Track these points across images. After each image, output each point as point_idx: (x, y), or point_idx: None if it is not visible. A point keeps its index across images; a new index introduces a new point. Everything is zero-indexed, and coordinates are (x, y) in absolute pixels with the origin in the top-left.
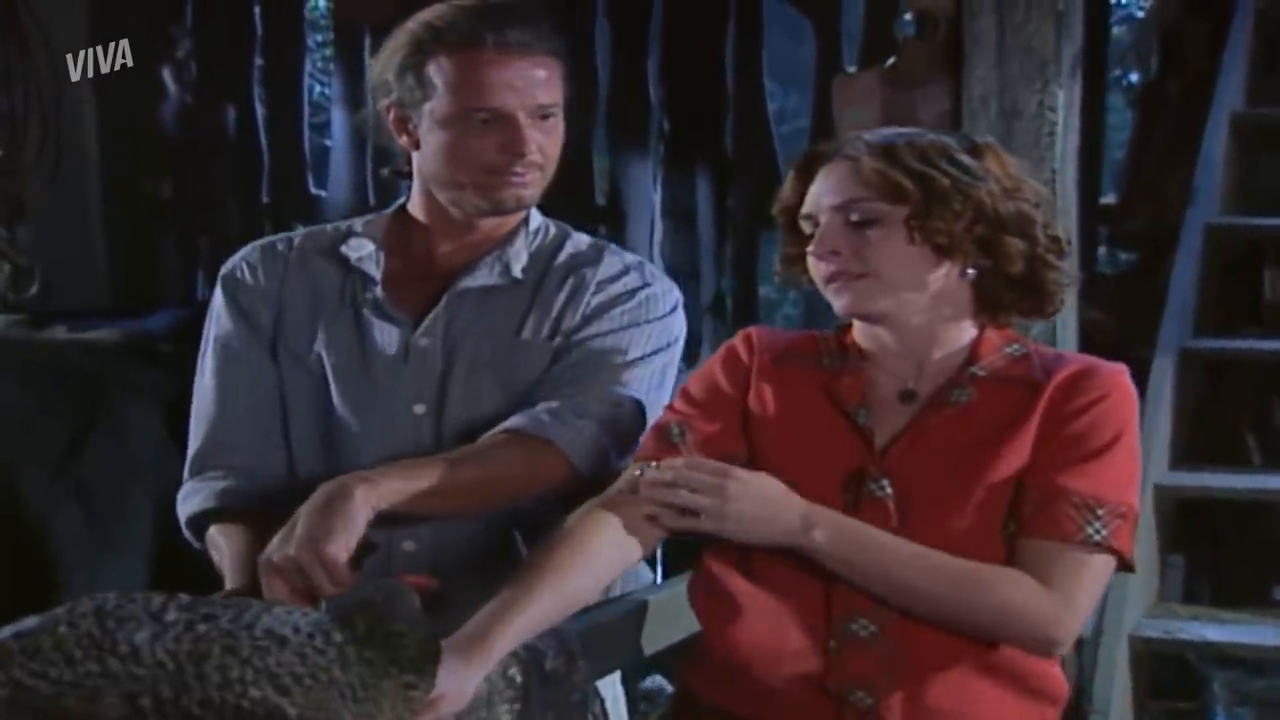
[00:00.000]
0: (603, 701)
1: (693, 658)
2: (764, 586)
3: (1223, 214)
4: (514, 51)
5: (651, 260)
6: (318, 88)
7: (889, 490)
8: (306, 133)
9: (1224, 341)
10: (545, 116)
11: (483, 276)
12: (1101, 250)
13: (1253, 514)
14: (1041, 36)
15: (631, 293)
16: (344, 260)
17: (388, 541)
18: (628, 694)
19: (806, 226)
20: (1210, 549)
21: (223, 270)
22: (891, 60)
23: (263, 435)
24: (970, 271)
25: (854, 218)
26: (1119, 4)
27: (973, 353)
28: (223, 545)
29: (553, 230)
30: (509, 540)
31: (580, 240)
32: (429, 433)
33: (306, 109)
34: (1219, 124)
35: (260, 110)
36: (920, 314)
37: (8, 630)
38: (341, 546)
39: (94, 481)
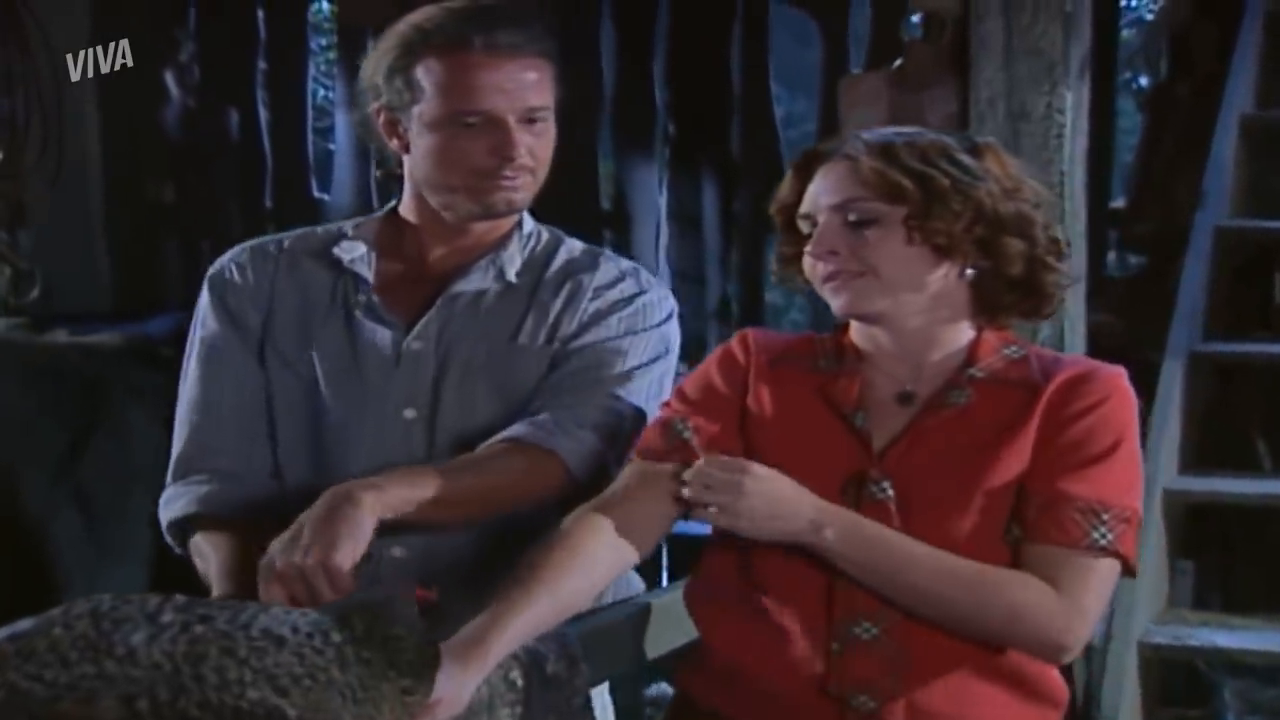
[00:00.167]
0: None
1: (691, 662)
2: (764, 589)
3: (1232, 216)
4: (503, 53)
5: (657, 265)
6: (321, 91)
7: (890, 492)
8: (310, 136)
9: (1234, 345)
10: (535, 120)
11: (477, 280)
12: (1111, 255)
13: (1263, 519)
14: (1049, 38)
15: (629, 299)
16: (336, 262)
17: (377, 548)
18: (632, 702)
19: (804, 226)
20: (1220, 555)
21: (210, 270)
22: (898, 62)
23: (248, 439)
24: (969, 272)
25: (852, 217)
26: (1128, 6)
27: (971, 354)
28: (208, 553)
29: (545, 235)
30: (499, 547)
31: (574, 245)
32: (420, 437)
33: (310, 112)
34: (1229, 126)
35: (263, 114)
36: (918, 315)
37: (2, 632)
38: (348, 555)
39: (94, 486)
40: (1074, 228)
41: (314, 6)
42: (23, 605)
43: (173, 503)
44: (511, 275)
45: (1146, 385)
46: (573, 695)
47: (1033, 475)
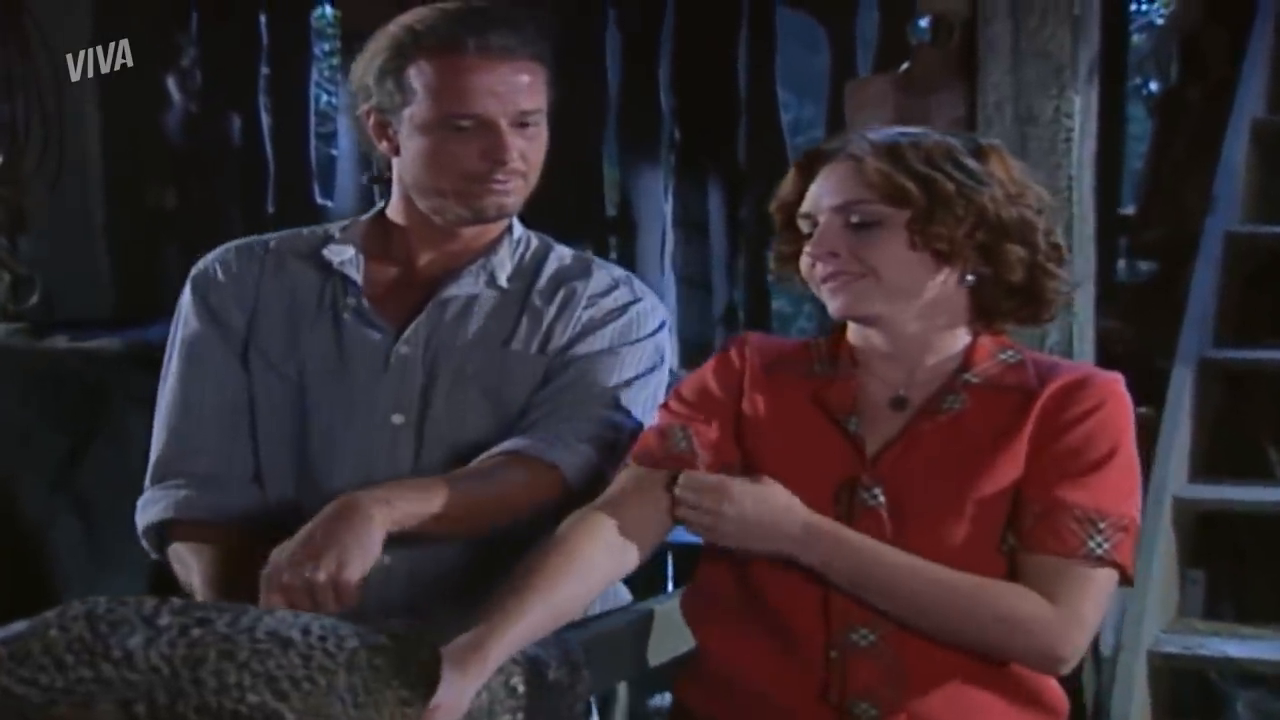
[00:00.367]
0: None
1: (689, 671)
2: (760, 596)
3: (1243, 222)
4: (496, 56)
5: (663, 272)
6: (324, 97)
7: (881, 499)
8: (312, 142)
9: (1245, 351)
10: (528, 123)
11: (468, 285)
12: (1121, 262)
13: (1275, 528)
14: (1058, 41)
15: (623, 308)
16: (324, 264)
17: None
18: (638, 712)
19: (804, 226)
20: (1232, 564)
21: (194, 270)
22: (905, 65)
23: (228, 441)
24: (969, 278)
25: (855, 219)
26: (1139, 11)
27: (966, 359)
28: (190, 561)
29: (534, 241)
30: (487, 556)
31: (564, 252)
32: (407, 443)
33: (313, 118)
34: (1239, 131)
35: (266, 119)
36: (916, 320)
37: None
38: (357, 571)
39: (93, 492)
40: (1082, 232)
41: (317, 11)
42: (20, 613)
43: (149, 507)
44: (503, 280)
45: (1156, 392)
46: (574, 702)
47: (1029, 483)
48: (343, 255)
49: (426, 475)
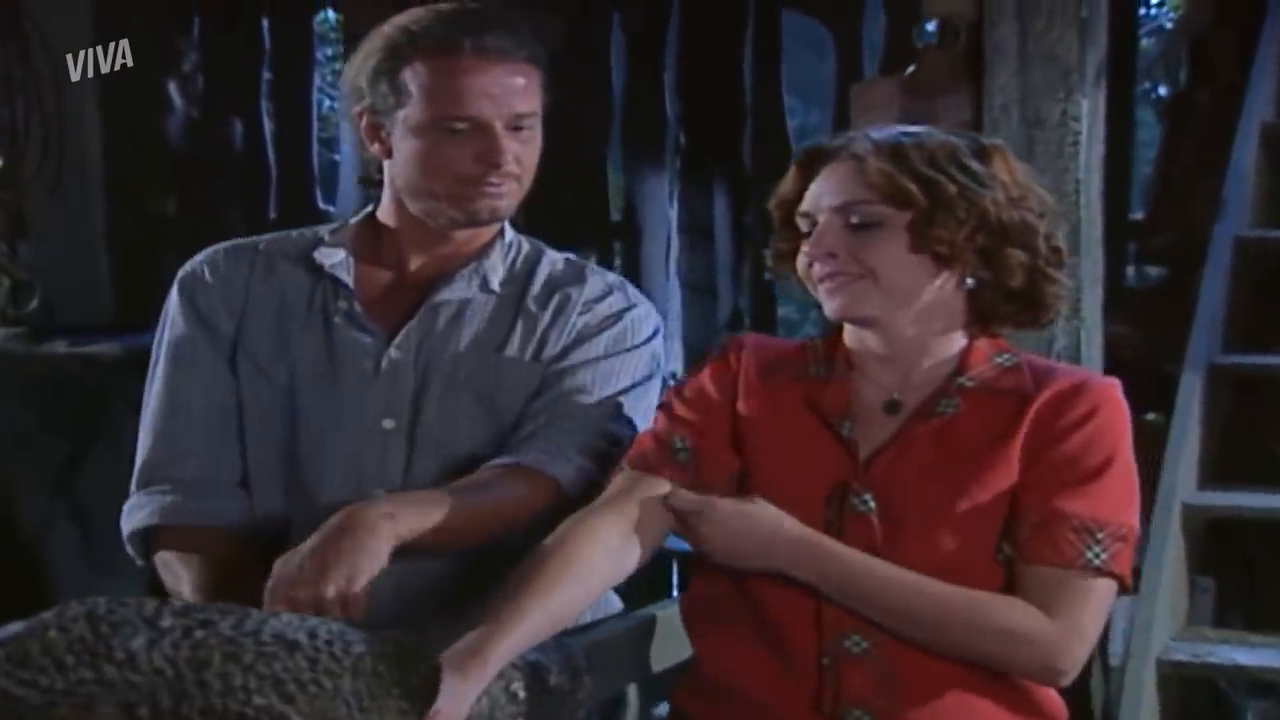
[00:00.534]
0: None
1: (685, 678)
2: (755, 603)
3: (1253, 227)
4: (492, 58)
5: (668, 278)
6: (327, 102)
7: (872, 505)
8: (315, 147)
9: (1254, 357)
10: (523, 126)
11: (460, 289)
12: (1130, 269)
13: None
14: (1065, 44)
15: (617, 315)
16: (314, 267)
17: None
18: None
19: (803, 224)
20: (1242, 572)
21: (181, 271)
22: (911, 68)
23: (215, 444)
24: (969, 281)
25: (855, 220)
26: (1147, 14)
27: (962, 363)
28: (180, 570)
29: (526, 245)
30: (475, 569)
31: (555, 257)
32: (398, 449)
33: (315, 123)
34: (1249, 135)
35: (268, 124)
36: (913, 322)
37: None
38: (365, 585)
39: (92, 498)
40: (1090, 236)
41: (319, 15)
42: (18, 618)
43: (135, 513)
44: (495, 284)
45: (1165, 398)
46: (575, 708)
47: (1025, 491)
48: (334, 258)
49: (417, 481)
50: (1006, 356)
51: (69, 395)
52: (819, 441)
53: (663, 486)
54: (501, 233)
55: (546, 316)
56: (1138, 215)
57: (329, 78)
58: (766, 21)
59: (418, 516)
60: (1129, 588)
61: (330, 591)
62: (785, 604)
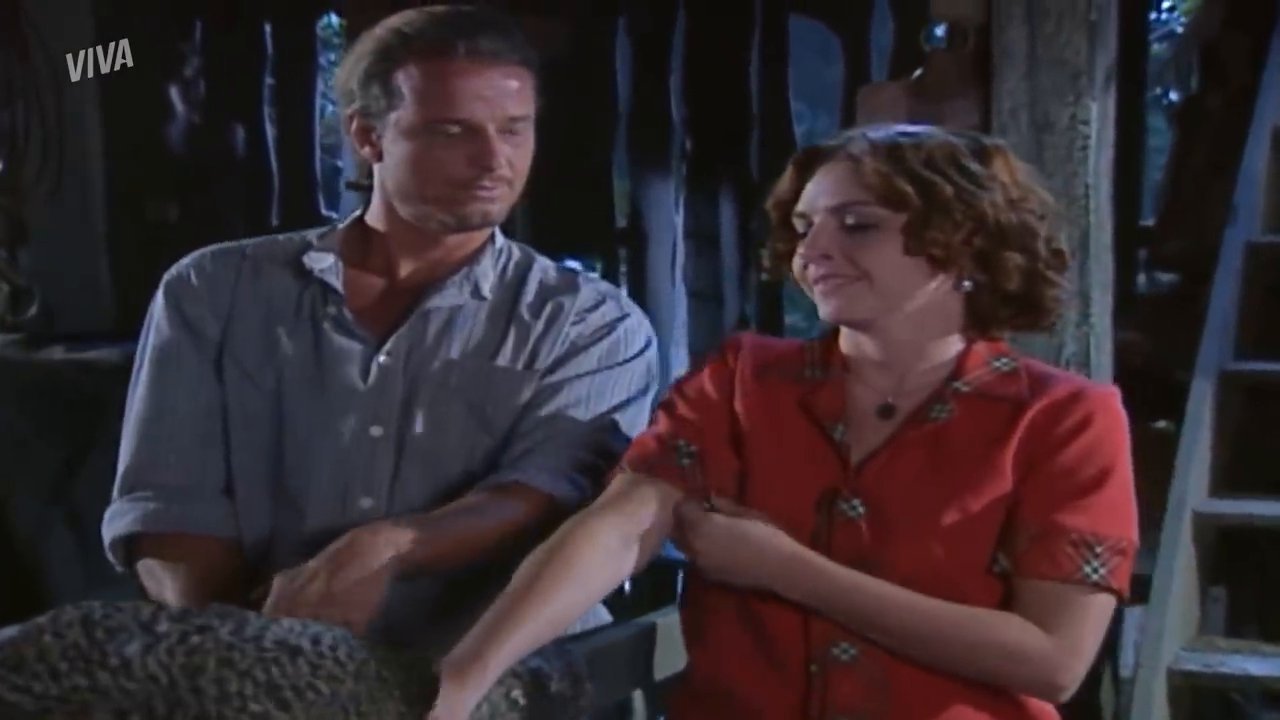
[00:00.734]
0: None
1: (681, 685)
2: (746, 609)
3: (1265, 232)
4: (485, 60)
5: (674, 284)
6: (329, 107)
7: (861, 510)
8: (317, 153)
9: (1266, 364)
10: (516, 130)
11: (452, 296)
12: (1141, 277)
13: None
14: (1074, 47)
15: (610, 326)
16: (303, 272)
17: None
18: None
19: (799, 225)
20: (1255, 582)
21: (166, 275)
22: (919, 72)
23: (200, 449)
24: (966, 284)
25: (850, 221)
26: (1158, 19)
27: (958, 367)
28: (164, 578)
29: (517, 252)
30: (463, 585)
31: (546, 264)
32: (386, 456)
33: (318, 129)
34: (1260, 139)
35: (270, 130)
36: (908, 325)
37: None
38: (366, 615)
39: (89, 505)
40: (1099, 241)
41: (322, 20)
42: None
43: (116, 520)
44: (486, 291)
45: (1176, 405)
46: (576, 715)
47: (1022, 503)
48: (323, 263)
49: (405, 489)
50: (1005, 361)
51: (66, 401)
52: (811, 445)
53: (663, 489)
54: (492, 238)
55: (539, 326)
56: (1149, 221)
57: (332, 83)
58: (773, 25)
59: (419, 545)
60: (1125, 600)
61: (336, 620)
62: (775, 611)
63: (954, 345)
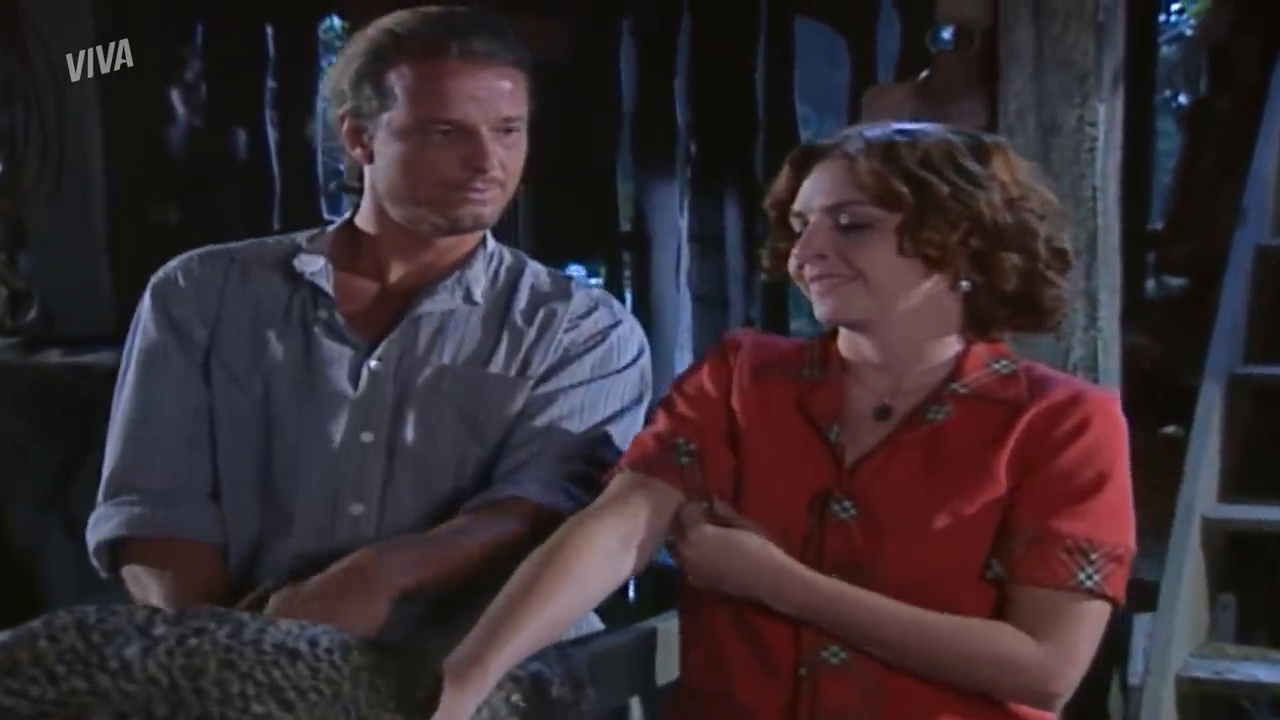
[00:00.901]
0: None
1: (678, 688)
2: (739, 612)
3: (1274, 235)
4: (479, 61)
5: (678, 288)
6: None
7: (853, 512)
8: (319, 157)
9: (1276, 368)
10: (509, 130)
11: (443, 301)
12: (1149, 280)
13: None
14: (1081, 49)
15: (602, 333)
16: (293, 275)
17: None
18: None
19: (796, 224)
20: (1265, 588)
21: (154, 277)
22: (925, 73)
23: (186, 452)
24: (963, 285)
25: (844, 220)
26: (1167, 21)
27: (956, 368)
28: (149, 583)
29: (509, 256)
30: (454, 597)
31: (538, 269)
32: (376, 462)
33: (320, 132)
34: (1270, 142)
35: (272, 133)
36: (905, 326)
37: None
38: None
39: (86, 510)
40: (1107, 244)
41: (324, 23)
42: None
43: (101, 524)
44: (478, 296)
45: (1185, 409)
46: None
47: (1017, 508)
48: (313, 266)
49: (395, 495)
50: (1004, 363)
51: (63, 406)
52: (806, 445)
53: (662, 490)
54: (484, 241)
55: (532, 332)
56: (1157, 225)
57: None
58: (779, 27)
59: (420, 566)
60: (1120, 607)
61: None
62: (766, 613)
63: (952, 346)
